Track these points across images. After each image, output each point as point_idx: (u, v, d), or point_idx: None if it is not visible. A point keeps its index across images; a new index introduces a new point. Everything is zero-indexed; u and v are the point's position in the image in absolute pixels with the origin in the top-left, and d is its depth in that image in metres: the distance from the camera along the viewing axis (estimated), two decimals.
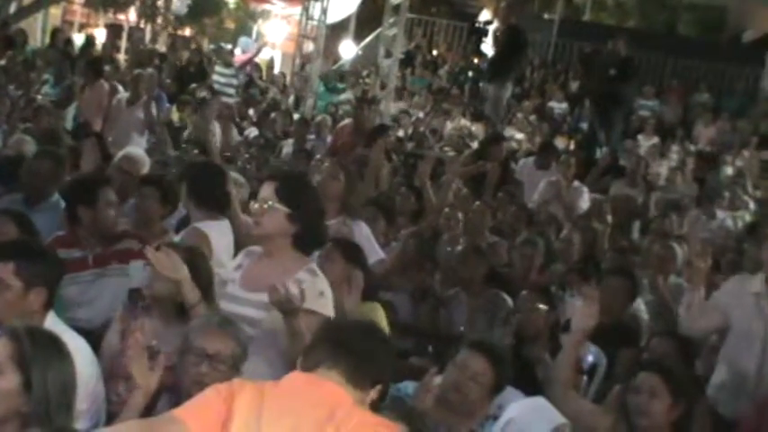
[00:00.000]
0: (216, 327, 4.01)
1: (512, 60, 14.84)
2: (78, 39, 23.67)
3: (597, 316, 4.74)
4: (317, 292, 4.28)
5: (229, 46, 23.60)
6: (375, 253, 6.61)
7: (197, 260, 4.51)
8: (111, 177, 6.87)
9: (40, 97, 12.46)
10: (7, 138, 9.49)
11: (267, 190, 4.37)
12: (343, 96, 18.73)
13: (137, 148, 8.55)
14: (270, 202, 4.32)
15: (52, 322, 4.10)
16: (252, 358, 4.10)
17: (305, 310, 4.12)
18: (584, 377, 5.78)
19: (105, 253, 5.68)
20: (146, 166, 7.71)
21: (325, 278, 4.55)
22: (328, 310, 4.33)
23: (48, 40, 20.05)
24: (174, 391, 3.99)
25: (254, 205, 4.41)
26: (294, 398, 3.02)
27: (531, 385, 5.02)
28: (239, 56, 20.57)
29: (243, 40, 24.70)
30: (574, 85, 20.74)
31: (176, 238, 5.56)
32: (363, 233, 6.52)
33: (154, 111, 10.85)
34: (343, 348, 3.11)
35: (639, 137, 17.24)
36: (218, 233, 5.44)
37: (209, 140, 8.60)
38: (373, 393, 3.12)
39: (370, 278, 5.76)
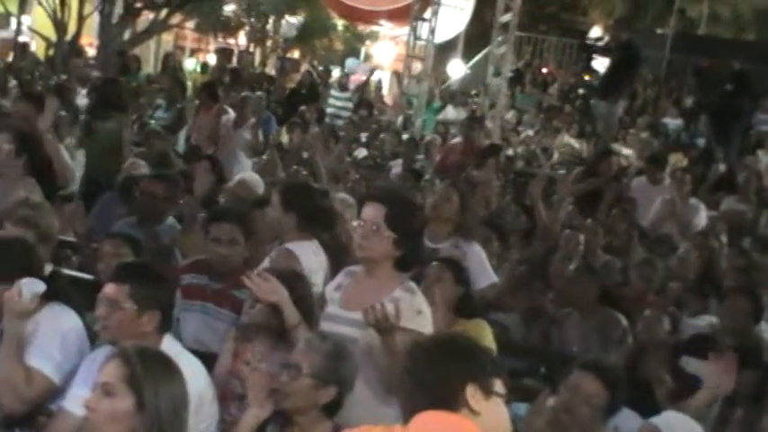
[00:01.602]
0: (305, 341, 4.02)
1: (625, 77, 14.62)
2: (189, 63, 24.18)
3: (734, 382, 4.57)
4: (415, 310, 4.23)
5: (337, 68, 23.80)
6: (488, 276, 6.52)
7: (295, 282, 4.49)
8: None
9: (153, 122, 12.66)
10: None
11: (375, 213, 4.31)
12: (450, 116, 18.71)
13: (251, 172, 8.57)
14: (376, 227, 4.28)
15: (169, 344, 4.14)
16: None
17: (402, 329, 4.08)
18: None
19: (224, 292, 5.49)
20: (260, 190, 7.75)
21: (436, 297, 4.46)
22: (426, 328, 4.26)
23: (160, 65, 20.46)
24: (281, 415, 3.97)
25: (359, 225, 4.38)
26: None
27: (649, 405, 4.87)
28: (353, 77, 20.69)
29: (349, 61, 24.90)
30: (688, 101, 20.37)
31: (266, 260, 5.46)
32: (476, 256, 6.43)
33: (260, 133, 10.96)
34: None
35: (759, 152, 16.79)
36: (309, 253, 5.34)
37: (317, 162, 8.61)
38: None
39: (474, 298, 5.73)
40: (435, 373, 2.88)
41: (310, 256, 5.31)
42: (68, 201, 6.85)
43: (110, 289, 4.10)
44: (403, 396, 2.97)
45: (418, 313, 4.24)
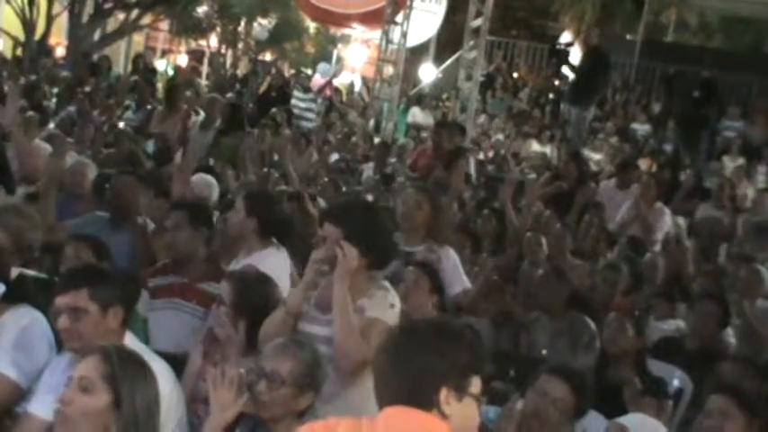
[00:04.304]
0: (278, 346, 4.01)
1: (595, 83, 14.71)
2: (161, 65, 24.07)
3: None
4: (389, 304, 4.35)
5: (309, 71, 23.78)
6: (461, 282, 6.54)
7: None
8: None
9: (122, 123, 12.61)
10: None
11: (333, 232, 4.34)
12: (420, 119, 18.78)
13: (202, 174, 8.48)
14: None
15: (130, 341, 4.11)
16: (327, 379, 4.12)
17: (374, 319, 4.24)
18: (670, 402, 5.65)
19: (190, 285, 5.60)
20: (213, 191, 7.76)
21: (411, 303, 4.52)
22: (394, 321, 4.30)
23: (130, 66, 20.39)
24: (252, 418, 3.97)
25: (321, 239, 4.45)
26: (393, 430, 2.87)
27: (616, 408, 4.92)
28: (317, 80, 20.70)
29: (321, 65, 24.90)
30: (657, 107, 20.51)
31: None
32: (451, 261, 6.46)
33: None
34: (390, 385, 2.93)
35: (725, 158, 16.95)
36: (270, 260, 5.41)
37: (287, 164, 8.61)
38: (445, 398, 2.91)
39: (447, 305, 5.79)
40: (413, 368, 2.84)
41: (271, 263, 5.35)
42: (35, 199, 6.73)
43: (67, 298, 4.00)
44: (379, 381, 2.92)
45: (390, 307, 4.35)
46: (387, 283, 4.51)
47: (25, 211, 5.41)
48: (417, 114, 19.51)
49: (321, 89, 19.36)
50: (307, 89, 17.93)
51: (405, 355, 2.87)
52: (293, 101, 17.40)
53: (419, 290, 5.50)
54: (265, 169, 10.23)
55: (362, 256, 4.32)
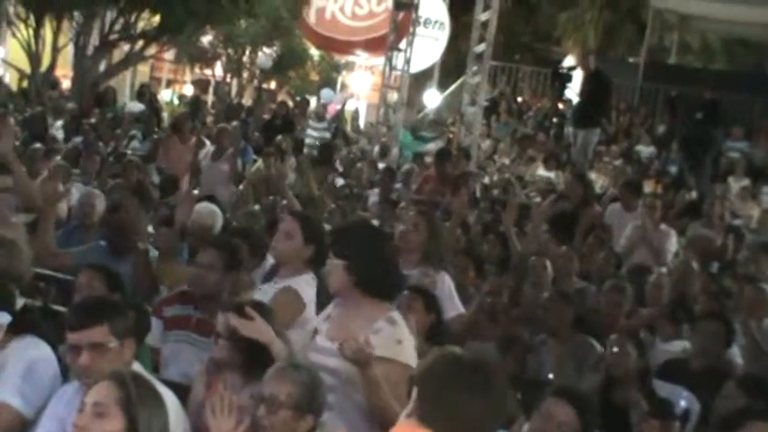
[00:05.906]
0: (276, 371, 4.02)
1: (599, 106, 14.74)
2: (166, 95, 24.18)
3: None
4: (395, 340, 4.26)
5: (314, 98, 23.87)
6: (455, 307, 6.50)
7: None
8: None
9: (129, 152, 12.67)
10: None
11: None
12: (431, 146, 18.81)
13: (205, 203, 8.49)
14: (331, 258, 4.36)
15: (139, 371, 4.12)
16: (332, 410, 4.12)
17: (381, 358, 4.13)
18: (677, 424, 5.65)
19: (208, 321, 5.40)
20: (217, 220, 7.79)
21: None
22: (406, 357, 4.28)
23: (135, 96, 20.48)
24: None
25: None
26: None
27: (622, 431, 4.92)
28: (330, 107, 20.80)
29: (325, 91, 24.99)
30: (661, 129, 20.53)
31: (263, 293, 5.33)
32: (446, 285, 6.43)
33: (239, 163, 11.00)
34: (437, 406, 3.02)
35: (730, 179, 16.96)
36: (306, 287, 5.27)
37: (285, 190, 8.62)
38: None
39: (446, 328, 5.82)
40: (474, 415, 2.95)
41: (307, 290, 5.25)
42: (34, 229, 6.76)
43: (88, 334, 4.00)
44: (429, 413, 2.97)
45: (398, 343, 4.27)
46: (396, 315, 4.41)
47: (7, 241, 5.33)
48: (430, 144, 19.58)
49: (335, 117, 19.45)
50: (321, 118, 18.02)
51: (465, 399, 2.97)
52: (308, 130, 17.49)
53: (413, 312, 5.49)
54: (270, 197, 10.27)
55: (348, 273, 4.29)
